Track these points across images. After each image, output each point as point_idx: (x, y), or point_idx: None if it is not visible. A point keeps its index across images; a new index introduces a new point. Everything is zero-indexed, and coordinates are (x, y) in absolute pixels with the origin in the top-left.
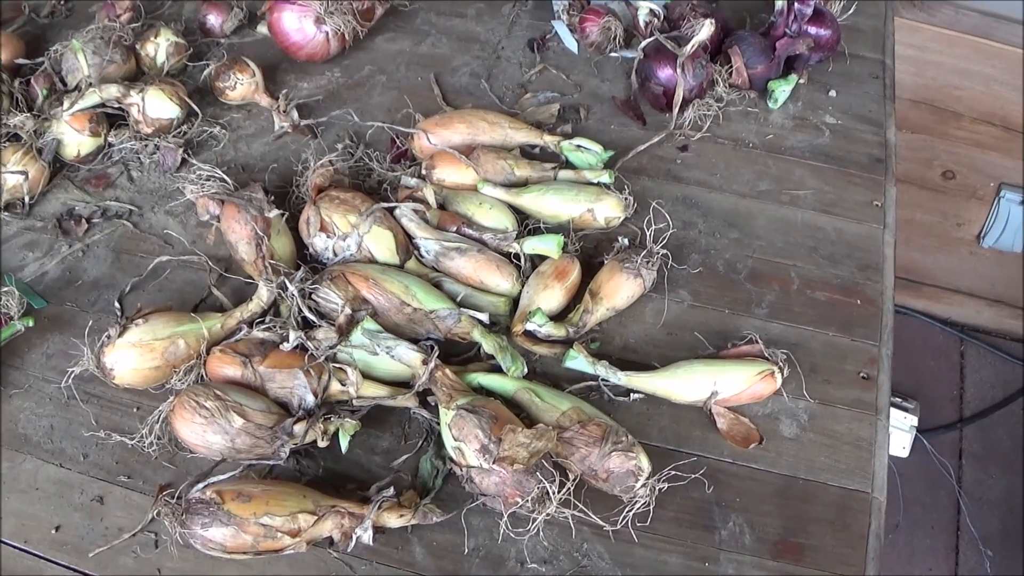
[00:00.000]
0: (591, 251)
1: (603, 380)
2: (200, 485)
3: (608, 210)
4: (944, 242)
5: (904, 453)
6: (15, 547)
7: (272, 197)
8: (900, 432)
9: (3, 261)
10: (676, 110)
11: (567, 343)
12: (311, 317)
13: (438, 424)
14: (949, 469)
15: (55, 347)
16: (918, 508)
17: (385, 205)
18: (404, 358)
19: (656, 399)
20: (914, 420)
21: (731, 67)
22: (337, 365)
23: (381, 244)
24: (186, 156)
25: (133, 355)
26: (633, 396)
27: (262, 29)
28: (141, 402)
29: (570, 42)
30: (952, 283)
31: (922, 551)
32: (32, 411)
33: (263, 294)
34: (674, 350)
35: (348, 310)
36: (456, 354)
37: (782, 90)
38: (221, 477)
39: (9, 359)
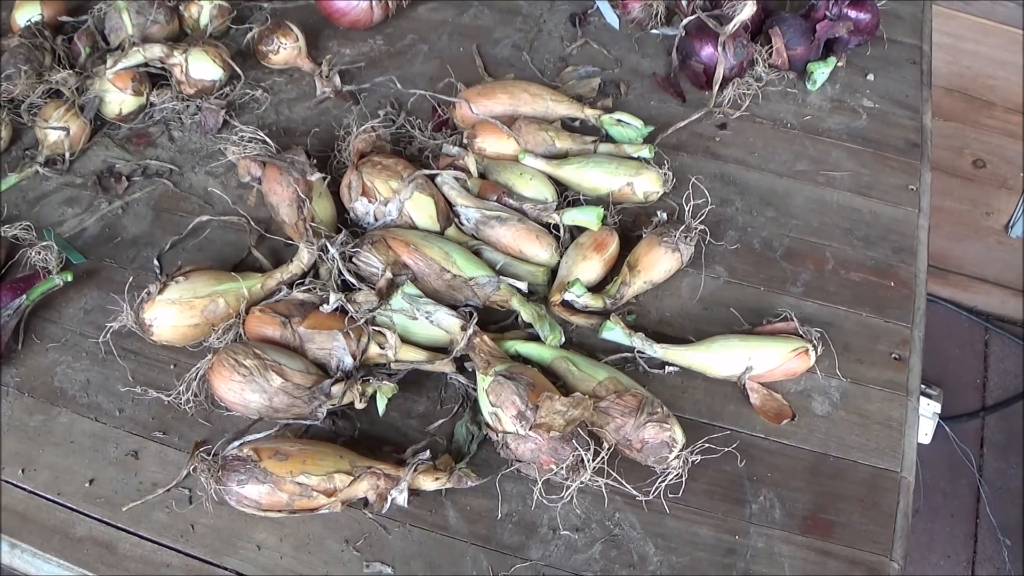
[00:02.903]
0: (629, 224)
1: (639, 352)
2: (236, 442)
3: (647, 184)
4: (972, 231)
5: (926, 440)
6: (48, 499)
7: (314, 161)
8: (923, 419)
9: (42, 216)
10: (716, 88)
11: (604, 314)
12: (351, 280)
13: (475, 390)
14: (970, 457)
15: (93, 302)
16: (938, 495)
17: (427, 172)
18: (443, 323)
19: (691, 372)
20: (937, 407)
21: (771, 47)
22: (376, 328)
23: (422, 210)
24: (227, 118)
25: (172, 312)
26: (668, 369)
27: None
28: (178, 359)
29: (612, 17)
30: (979, 272)
31: (941, 538)
32: (68, 365)
33: (303, 256)
34: (709, 325)
35: (389, 274)
36: (494, 321)
37: (821, 72)
38: (257, 435)
39: (46, 313)
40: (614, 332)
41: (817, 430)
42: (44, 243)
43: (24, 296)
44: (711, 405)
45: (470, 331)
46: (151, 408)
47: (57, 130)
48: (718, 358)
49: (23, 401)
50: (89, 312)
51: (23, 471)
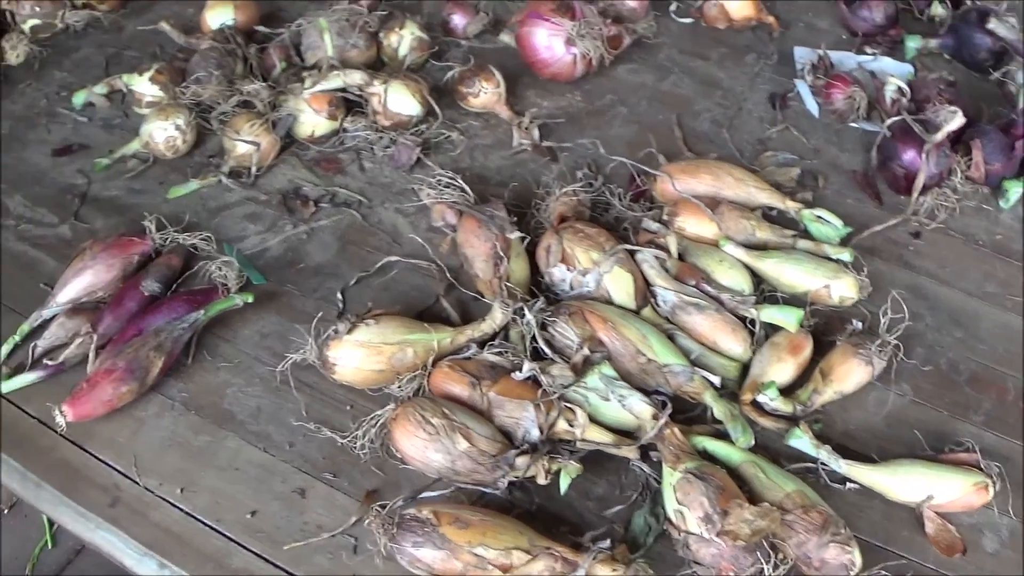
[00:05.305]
0: (821, 328)
1: (822, 464)
2: (414, 501)
3: (844, 289)
4: None
5: None
6: (207, 524)
7: (514, 218)
8: None
9: (223, 228)
10: (915, 195)
11: (791, 420)
12: (545, 350)
13: (657, 481)
14: None
15: (271, 327)
16: None
17: (628, 247)
18: (634, 409)
19: (870, 492)
20: None
21: (969, 159)
22: (567, 404)
23: (620, 286)
24: (421, 156)
25: (359, 354)
26: (849, 485)
27: (504, 38)
28: (355, 400)
29: (811, 104)
30: None
31: None
32: (240, 388)
33: (497, 316)
34: (892, 444)
35: (585, 350)
36: (680, 411)
37: (1015, 190)
38: (432, 494)
39: (220, 331)
40: (802, 441)
41: (985, 567)
42: (225, 259)
43: (202, 311)
44: (887, 528)
45: (662, 422)
46: (322, 447)
47: (248, 144)
48: (901, 483)
49: (189, 418)
50: (266, 337)
51: (182, 491)
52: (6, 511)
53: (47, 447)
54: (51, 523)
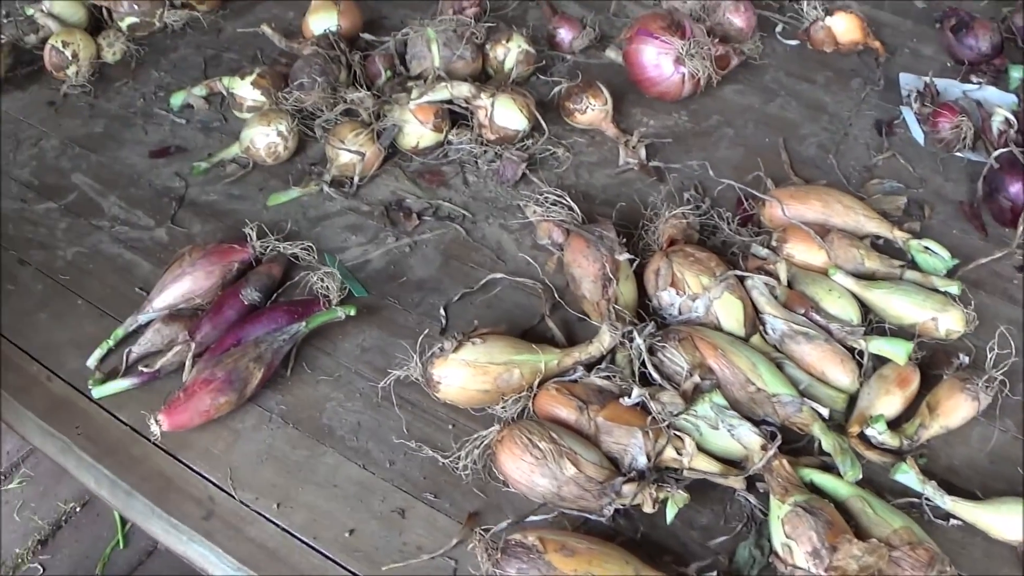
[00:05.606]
0: (926, 361)
1: (926, 499)
2: (518, 526)
3: (951, 323)
4: None
5: None
6: (303, 542)
7: (623, 239)
8: None
9: (324, 238)
10: (1021, 228)
11: (897, 454)
12: (654, 375)
13: (762, 512)
14: None
15: (371, 341)
16: None
17: (739, 273)
18: (743, 439)
19: (973, 529)
20: None
21: None
22: (676, 432)
23: (730, 313)
24: (526, 171)
25: (465, 373)
26: (952, 521)
27: (610, 54)
28: (457, 419)
29: (917, 132)
30: None
31: None
32: (340, 403)
33: (605, 339)
34: (995, 481)
35: (696, 378)
36: (785, 441)
37: None
38: (535, 518)
39: (320, 343)
40: (908, 476)
41: None
42: (327, 270)
43: (303, 323)
44: (987, 567)
45: (771, 453)
46: (424, 467)
47: (353, 153)
48: (1006, 522)
49: (287, 432)
50: (367, 351)
51: (279, 506)
52: (78, 509)
53: (140, 456)
54: (123, 522)
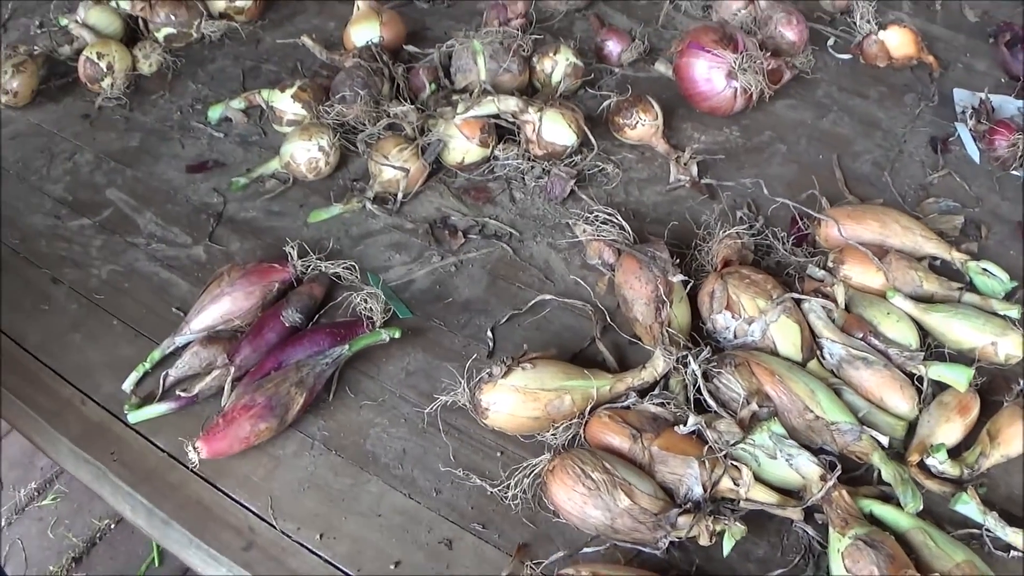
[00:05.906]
0: (986, 387)
1: (987, 530)
2: (570, 560)
3: (1011, 347)
4: None
5: None
6: (348, 574)
7: (677, 259)
8: None
9: (366, 257)
10: None
11: (958, 483)
12: (709, 402)
13: (821, 544)
14: None
15: (416, 364)
16: None
17: (796, 296)
18: (802, 469)
19: None
20: None
21: None
22: (733, 462)
23: (787, 337)
24: (575, 188)
25: (514, 400)
26: (1013, 553)
27: (660, 67)
28: (505, 447)
29: (972, 149)
30: None
31: None
32: (384, 429)
33: (659, 364)
34: None
35: (753, 405)
36: (843, 471)
37: None
38: (587, 550)
39: (363, 366)
40: (969, 507)
41: None
42: (370, 290)
43: (346, 346)
44: None
45: (830, 483)
46: (471, 496)
47: (397, 169)
48: None
49: (330, 459)
50: (412, 375)
51: (321, 536)
52: (113, 526)
53: (177, 483)
54: None
